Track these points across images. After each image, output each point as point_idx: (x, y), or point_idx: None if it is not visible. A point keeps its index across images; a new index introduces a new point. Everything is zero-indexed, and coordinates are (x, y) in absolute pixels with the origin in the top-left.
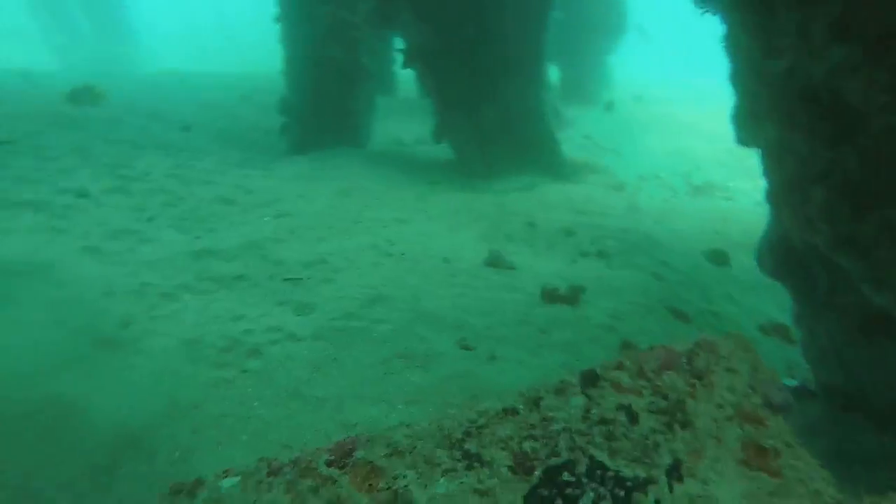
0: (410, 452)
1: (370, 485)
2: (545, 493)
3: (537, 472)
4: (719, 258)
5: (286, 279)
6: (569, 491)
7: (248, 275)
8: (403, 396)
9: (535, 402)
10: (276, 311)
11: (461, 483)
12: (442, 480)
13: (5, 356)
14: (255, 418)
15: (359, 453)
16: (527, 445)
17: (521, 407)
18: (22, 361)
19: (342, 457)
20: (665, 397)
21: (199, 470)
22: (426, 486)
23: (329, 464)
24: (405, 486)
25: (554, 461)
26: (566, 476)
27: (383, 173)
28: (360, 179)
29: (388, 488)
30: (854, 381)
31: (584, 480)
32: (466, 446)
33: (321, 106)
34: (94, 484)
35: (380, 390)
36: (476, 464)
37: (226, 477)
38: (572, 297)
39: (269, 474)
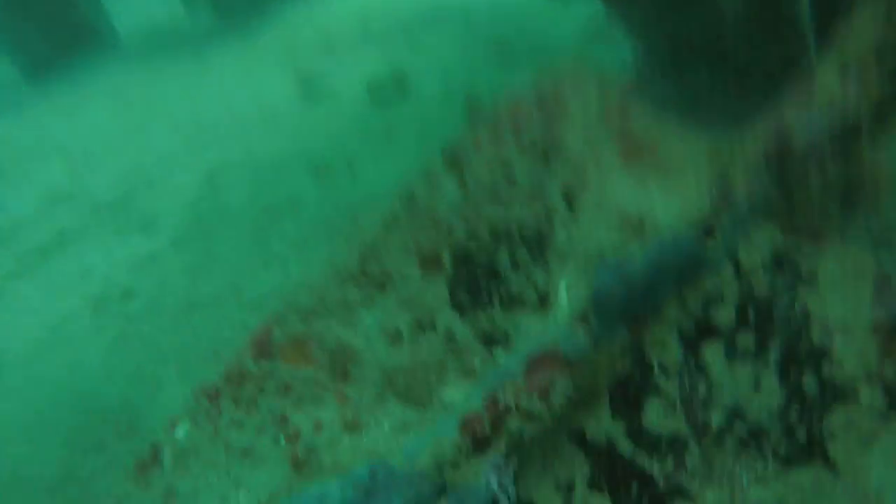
0: (322, 304)
1: (304, 354)
2: (463, 274)
3: (446, 262)
4: None
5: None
6: (482, 258)
7: (70, 227)
8: (287, 249)
9: (410, 199)
10: (123, 248)
11: (382, 305)
12: (364, 312)
13: None
14: (166, 349)
15: (276, 334)
16: (423, 240)
17: (399, 210)
18: None
19: (264, 346)
20: (531, 142)
21: None
22: (353, 325)
23: (256, 360)
24: (335, 337)
25: (455, 241)
26: (473, 246)
27: (153, 64)
28: (132, 82)
29: (322, 348)
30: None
31: (490, 240)
32: (369, 271)
33: (30, 10)
34: None
35: (264, 255)
36: (386, 281)
37: (175, 427)
38: (399, 84)
39: (210, 400)
